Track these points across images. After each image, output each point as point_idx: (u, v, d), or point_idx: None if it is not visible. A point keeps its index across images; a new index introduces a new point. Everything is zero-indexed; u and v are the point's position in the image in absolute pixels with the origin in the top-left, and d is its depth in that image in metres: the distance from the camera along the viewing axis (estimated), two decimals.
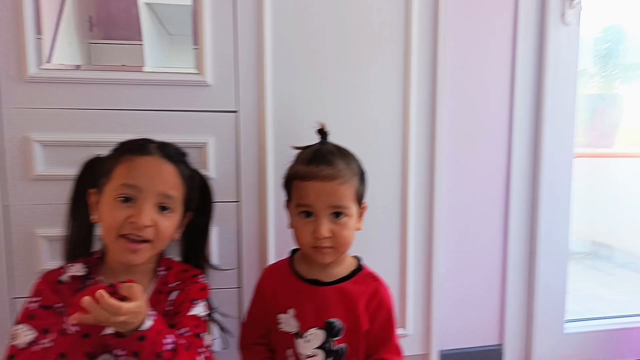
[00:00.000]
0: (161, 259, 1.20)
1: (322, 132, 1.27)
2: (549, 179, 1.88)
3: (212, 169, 1.51)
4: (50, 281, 1.09)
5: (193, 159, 1.47)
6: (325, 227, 1.15)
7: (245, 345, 1.33)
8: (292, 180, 1.23)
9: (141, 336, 0.89)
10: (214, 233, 1.54)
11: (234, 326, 1.45)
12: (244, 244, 1.57)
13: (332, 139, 1.31)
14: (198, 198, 1.24)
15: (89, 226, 1.18)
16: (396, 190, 1.67)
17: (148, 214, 1.03)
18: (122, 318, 0.87)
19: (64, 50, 1.47)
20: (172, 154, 1.13)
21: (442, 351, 1.82)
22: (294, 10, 1.55)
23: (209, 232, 1.31)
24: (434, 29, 1.65)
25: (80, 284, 1.09)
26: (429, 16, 1.64)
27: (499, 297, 1.90)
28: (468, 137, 1.81)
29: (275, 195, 1.54)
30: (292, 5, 1.54)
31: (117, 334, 0.91)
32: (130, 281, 0.95)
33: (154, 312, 0.95)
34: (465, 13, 1.75)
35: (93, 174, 1.16)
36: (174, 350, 0.94)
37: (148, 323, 0.91)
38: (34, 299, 1.05)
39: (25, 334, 0.98)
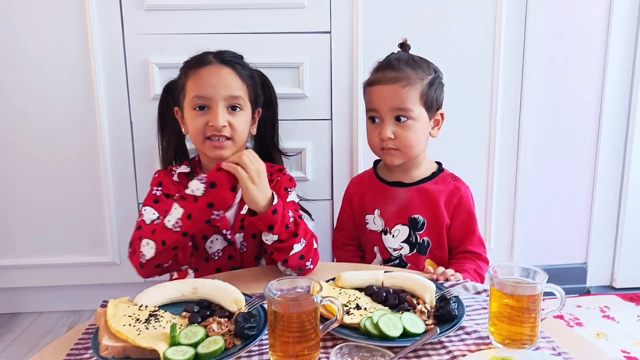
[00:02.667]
0: None
1: (402, 45, 1.33)
2: None
3: (307, 88, 1.64)
4: (167, 175, 1.28)
5: (289, 79, 1.62)
6: (389, 129, 1.23)
7: (338, 246, 1.47)
8: (364, 89, 1.31)
9: (274, 210, 1.03)
10: (309, 149, 1.68)
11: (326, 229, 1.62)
12: (335, 158, 1.71)
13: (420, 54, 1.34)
14: (263, 94, 1.35)
15: (176, 139, 1.36)
16: (484, 104, 1.71)
17: (222, 116, 1.17)
18: (256, 166, 1.02)
19: None
20: (229, 58, 1.23)
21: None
22: None
23: (276, 124, 1.44)
24: None
25: (187, 181, 1.25)
26: None
27: (586, 216, 1.91)
28: (561, 44, 1.78)
29: (364, 113, 1.62)
30: None
31: (251, 213, 1.06)
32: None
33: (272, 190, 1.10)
34: None
35: (172, 96, 1.32)
36: (295, 222, 1.09)
37: (276, 199, 1.06)
38: (157, 188, 1.25)
39: (151, 214, 1.17)
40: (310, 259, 1.11)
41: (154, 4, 1.57)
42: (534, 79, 1.71)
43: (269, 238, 1.07)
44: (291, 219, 1.07)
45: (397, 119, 1.23)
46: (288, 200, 1.23)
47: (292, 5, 1.58)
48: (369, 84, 1.28)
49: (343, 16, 1.60)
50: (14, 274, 1.74)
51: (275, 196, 1.05)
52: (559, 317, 1.71)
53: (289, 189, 1.26)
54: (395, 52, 1.31)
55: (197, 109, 1.19)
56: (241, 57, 1.28)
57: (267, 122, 1.39)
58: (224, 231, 1.24)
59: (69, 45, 1.60)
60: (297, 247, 1.08)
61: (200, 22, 1.59)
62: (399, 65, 1.24)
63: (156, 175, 1.28)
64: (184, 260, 1.23)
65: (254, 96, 1.27)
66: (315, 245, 1.13)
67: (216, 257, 1.25)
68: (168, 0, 1.57)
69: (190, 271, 1.25)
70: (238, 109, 1.22)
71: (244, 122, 1.23)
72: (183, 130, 1.29)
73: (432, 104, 1.26)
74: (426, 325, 0.82)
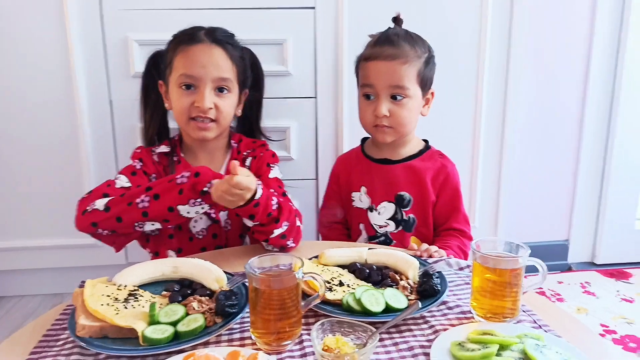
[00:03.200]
0: (232, 134, 1.33)
1: (396, 19, 1.30)
2: (631, 70, 1.81)
3: (291, 66, 1.61)
4: (148, 154, 1.25)
5: (272, 56, 1.59)
6: (385, 107, 1.21)
7: (324, 224, 1.46)
8: (358, 63, 1.28)
9: (256, 203, 1.01)
10: (293, 128, 1.66)
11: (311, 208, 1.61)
12: (320, 137, 1.69)
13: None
14: (251, 75, 1.32)
15: (160, 114, 1.31)
16: (471, 82, 1.70)
17: (208, 98, 1.15)
18: (238, 191, 0.95)
19: None
20: (220, 37, 1.20)
21: None
22: None
23: (261, 105, 1.40)
24: None
25: (167, 161, 1.25)
26: None
27: (569, 194, 1.93)
28: (547, 24, 1.77)
29: (349, 90, 1.62)
30: None
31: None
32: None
33: (259, 182, 1.06)
34: None
35: (157, 68, 1.28)
36: (278, 208, 1.08)
37: (259, 192, 1.02)
38: (138, 161, 1.21)
39: (124, 182, 1.14)
40: (292, 238, 1.10)
41: None
42: (520, 59, 1.70)
43: (249, 222, 1.06)
44: (274, 206, 1.05)
45: (393, 97, 1.21)
46: (271, 176, 1.22)
47: None
48: (365, 59, 1.24)
49: None
50: None
51: (259, 190, 1.01)
52: (541, 293, 1.73)
53: (271, 165, 1.25)
54: (392, 27, 1.28)
55: (184, 87, 1.16)
56: (232, 36, 1.24)
57: (253, 103, 1.35)
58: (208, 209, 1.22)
59: (44, 23, 1.54)
60: (278, 231, 1.06)
61: None
62: (398, 41, 1.21)
63: (138, 150, 1.25)
64: (123, 240, 1.14)
65: (242, 78, 1.24)
66: (298, 223, 1.11)
67: (200, 236, 1.23)
68: None
69: (171, 252, 1.22)
70: (225, 91, 1.19)
71: (230, 105, 1.21)
72: (166, 105, 1.26)
73: (426, 83, 1.25)
74: (409, 300, 0.82)
